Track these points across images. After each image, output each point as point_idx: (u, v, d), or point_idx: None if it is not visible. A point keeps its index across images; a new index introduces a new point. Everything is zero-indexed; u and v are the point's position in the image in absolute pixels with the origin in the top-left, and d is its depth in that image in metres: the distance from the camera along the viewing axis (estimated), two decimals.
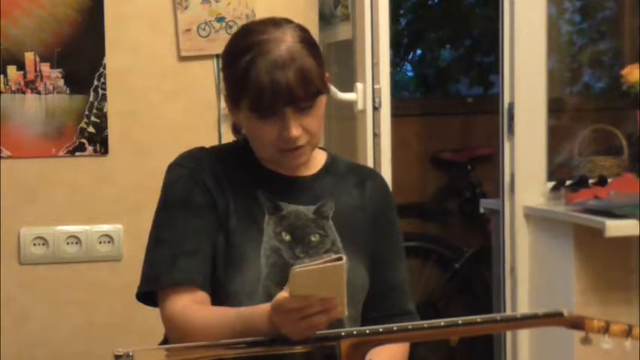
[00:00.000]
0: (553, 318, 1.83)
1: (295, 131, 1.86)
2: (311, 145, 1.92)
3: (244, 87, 1.86)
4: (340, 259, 1.62)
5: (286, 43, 1.86)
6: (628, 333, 1.78)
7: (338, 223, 1.97)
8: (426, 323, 1.79)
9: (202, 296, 1.89)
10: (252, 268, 1.90)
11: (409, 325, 1.79)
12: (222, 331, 1.77)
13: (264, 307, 1.74)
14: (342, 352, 1.73)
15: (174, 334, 1.88)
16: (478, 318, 1.80)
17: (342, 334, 1.74)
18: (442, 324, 1.77)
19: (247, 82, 1.85)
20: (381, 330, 1.76)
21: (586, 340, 1.79)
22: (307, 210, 1.96)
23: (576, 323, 1.80)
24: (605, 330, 1.78)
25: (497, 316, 1.85)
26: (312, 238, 1.94)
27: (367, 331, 1.76)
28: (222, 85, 2.91)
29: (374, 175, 2.13)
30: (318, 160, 2.03)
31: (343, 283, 1.65)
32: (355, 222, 2.00)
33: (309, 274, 1.62)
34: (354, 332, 1.75)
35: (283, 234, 1.93)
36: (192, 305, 1.87)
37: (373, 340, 1.77)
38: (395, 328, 1.77)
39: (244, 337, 1.74)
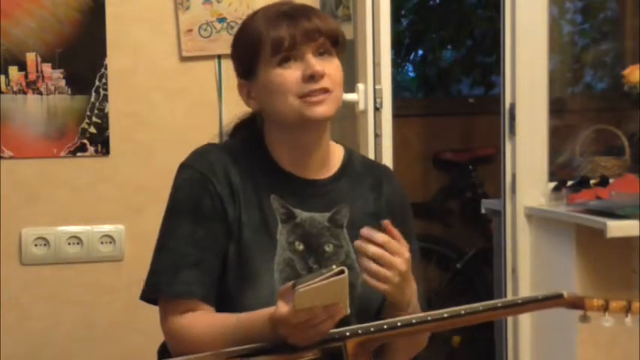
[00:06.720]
0: (554, 300, 1.82)
1: (318, 66, 1.84)
2: (334, 98, 1.87)
3: (261, 38, 1.86)
4: (342, 272, 1.61)
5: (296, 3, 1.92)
6: (627, 309, 1.79)
7: (352, 231, 1.90)
8: (429, 316, 1.79)
9: (203, 309, 1.86)
10: (265, 284, 1.86)
11: (413, 319, 1.78)
12: (223, 339, 1.76)
13: (264, 314, 1.72)
14: (348, 351, 1.72)
15: (175, 345, 1.86)
16: (480, 306, 1.80)
17: (348, 333, 1.73)
18: (445, 315, 1.78)
19: (263, 31, 1.86)
20: (385, 327, 1.76)
21: (585, 318, 1.80)
22: (322, 217, 1.91)
23: (576, 303, 1.81)
24: (605, 308, 1.79)
25: (498, 302, 1.85)
26: (327, 248, 1.89)
27: (372, 329, 1.75)
28: (224, 84, 2.93)
29: (389, 177, 2.06)
30: (336, 158, 1.98)
31: (346, 291, 1.63)
32: None
33: (312, 292, 1.60)
34: (359, 331, 1.74)
35: (297, 243, 1.88)
36: (191, 315, 1.84)
37: (378, 338, 1.76)
38: (399, 324, 1.76)
39: (245, 343, 1.72)
